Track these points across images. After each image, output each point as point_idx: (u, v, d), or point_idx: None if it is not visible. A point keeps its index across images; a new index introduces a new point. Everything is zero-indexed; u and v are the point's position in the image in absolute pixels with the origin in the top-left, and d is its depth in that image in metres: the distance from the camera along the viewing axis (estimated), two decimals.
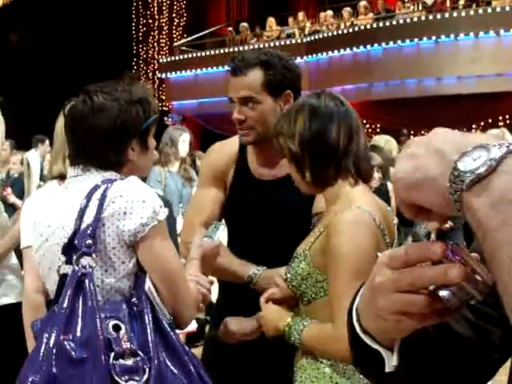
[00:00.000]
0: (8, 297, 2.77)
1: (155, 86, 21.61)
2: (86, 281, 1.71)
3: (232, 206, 2.50)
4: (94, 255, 1.75)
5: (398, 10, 14.56)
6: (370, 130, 15.77)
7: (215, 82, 16.03)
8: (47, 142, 8.78)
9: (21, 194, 6.02)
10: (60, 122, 2.67)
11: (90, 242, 1.74)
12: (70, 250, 1.77)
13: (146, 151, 1.96)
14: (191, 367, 1.77)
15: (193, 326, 4.59)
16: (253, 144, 2.43)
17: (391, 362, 0.81)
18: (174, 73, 17.43)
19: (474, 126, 14.20)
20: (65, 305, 1.69)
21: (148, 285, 1.79)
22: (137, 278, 1.82)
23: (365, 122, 15.86)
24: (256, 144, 2.42)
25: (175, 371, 1.74)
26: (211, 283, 2.07)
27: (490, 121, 13.84)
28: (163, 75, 18.15)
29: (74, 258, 1.75)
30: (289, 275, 1.93)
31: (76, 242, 1.76)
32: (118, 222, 1.77)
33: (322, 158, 1.88)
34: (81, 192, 1.83)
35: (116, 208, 1.76)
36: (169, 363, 1.73)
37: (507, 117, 14.43)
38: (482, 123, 14.16)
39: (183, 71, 17.11)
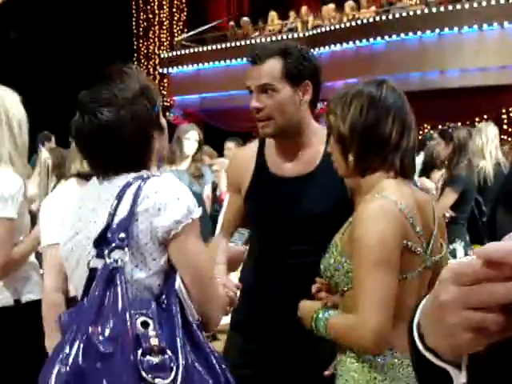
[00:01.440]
0: (32, 293, 2.77)
1: (156, 81, 21.60)
2: (118, 275, 1.69)
3: (252, 206, 2.46)
4: (126, 249, 1.73)
5: (400, 1, 14.52)
6: None
7: (217, 76, 16.02)
8: (53, 139, 8.73)
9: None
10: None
11: (123, 235, 1.72)
12: (101, 243, 1.74)
13: (163, 132, 1.94)
14: (218, 369, 1.75)
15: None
16: (273, 137, 2.38)
17: (460, 379, 0.77)
18: (175, 68, 17.39)
19: (477, 120, 14.18)
20: (95, 298, 1.67)
21: (178, 283, 1.76)
22: (167, 275, 1.80)
23: None
24: (277, 138, 2.38)
25: (202, 372, 1.71)
26: (238, 287, 2.06)
27: (493, 114, 13.81)
28: (164, 70, 18.10)
29: (106, 251, 1.72)
30: (322, 266, 1.92)
31: (109, 235, 1.74)
32: (151, 217, 1.74)
33: (370, 148, 1.88)
34: (114, 187, 1.81)
35: (151, 204, 1.74)
36: (196, 363, 1.71)
37: (510, 109, 14.41)
38: (486, 116, 14.13)
39: (185, 66, 17.07)
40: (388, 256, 1.74)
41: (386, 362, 1.82)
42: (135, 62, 21.96)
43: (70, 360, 1.63)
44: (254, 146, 2.53)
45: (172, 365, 1.65)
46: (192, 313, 1.77)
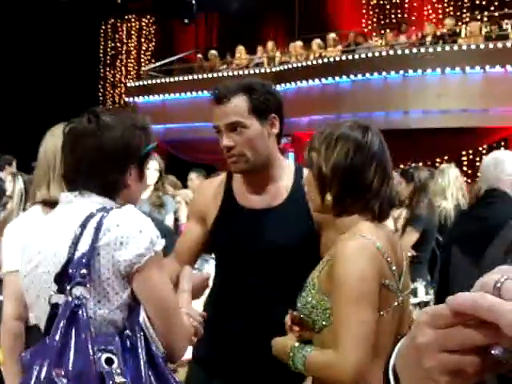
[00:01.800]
0: None
1: None
2: (80, 312, 1.67)
3: (219, 237, 2.46)
4: (88, 285, 1.71)
5: (366, 42, 14.80)
6: None
7: (183, 107, 16.04)
8: (14, 163, 8.58)
9: None
10: (47, 145, 2.62)
11: (84, 271, 1.69)
12: (62, 278, 1.72)
13: (141, 179, 1.94)
14: None
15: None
16: (244, 172, 2.40)
17: None
18: (141, 97, 17.38)
19: (438, 160, 14.43)
20: (57, 337, 1.64)
21: (143, 317, 1.74)
22: (131, 309, 1.78)
23: None
24: (247, 172, 2.40)
25: None
26: (202, 317, 2.04)
27: (454, 155, 14.08)
28: (130, 99, 18.08)
29: (68, 287, 1.70)
30: (299, 304, 1.93)
31: (70, 270, 1.71)
32: (113, 251, 1.72)
33: (351, 192, 1.91)
34: (75, 219, 1.78)
35: (112, 237, 1.72)
36: None
37: (470, 152, 14.71)
38: (446, 157, 14.39)
39: (151, 96, 17.07)
40: (368, 293, 1.78)
41: None
42: (101, 90, 21.93)
43: None
44: (221, 178, 2.55)
45: None
46: (157, 345, 1.75)
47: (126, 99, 19.18)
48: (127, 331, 1.74)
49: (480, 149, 14.66)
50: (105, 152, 1.81)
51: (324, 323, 1.87)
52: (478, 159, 14.77)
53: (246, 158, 2.33)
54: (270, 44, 16.19)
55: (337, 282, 1.80)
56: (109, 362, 1.67)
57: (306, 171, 2.47)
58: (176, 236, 6.16)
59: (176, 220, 6.42)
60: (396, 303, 1.90)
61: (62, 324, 1.66)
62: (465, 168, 14.26)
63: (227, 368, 2.42)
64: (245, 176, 2.42)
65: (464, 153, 14.68)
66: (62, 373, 1.61)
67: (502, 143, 14.10)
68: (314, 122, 12.85)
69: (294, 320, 1.99)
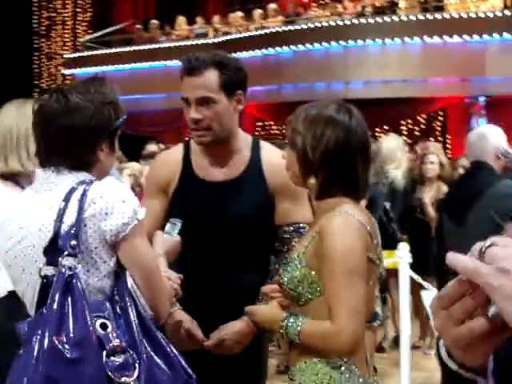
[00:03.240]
0: None
1: (59, 82, 21.08)
2: (74, 281, 1.73)
3: (179, 209, 2.48)
4: (78, 256, 1.77)
5: (306, 13, 14.84)
6: (277, 132, 15.99)
7: (122, 79, 15.81)
8: None
9: None
10: (2, 121, 2.59)
11: (74, 242, 1.76)
12: (52, 251, 1.77)
13: (113, 152, 1.99)
14: (175, 361, 1.81)
15: None
16: (208, 145, 2.43)
17: None
18: (79, 69, 17.06)
19: (377, 130, 14.67)
20: (54, 306, 1.70)
21: (131, 282, 1.82)
22: (117, 276, 1.85)
23: (272, 123, 16.09)
24: (210, 145, 2.43)
25: (162, 365, 1.77)
26: (180, 279, 2.11)
27: (393, 125, 14.33)
28: (68, 71, 17.72)
29: (60, 259, 1.75)
30: (285, 279, 1.99)
31: (60, 243, 1.76)
32: (99, 222, 1.79)
33: (338, 179, 1.97)
34: (57, 194, 1.83)
35: (97, 209, 1.79)
36: (156, 358, 1.77)
37: (409, 121, 14.99)
38: (386, 127, 14.63)
39: (89, 68, 16.76)
40: (358, 266, 1.88)
41: (347, 366, 1.92)
42: (36, 62, 21.40)
43: (40, 369, 1.65)
44: (177, 149, 2.57)
45: (134, 362, 1.71)
46: (145, 308, 1.83)
47: (63, 71, 18.80)
48: (116, 297, 1.81)
49: (419, 118, 14.96)
50: (76, 133, 1.86)
51: (310, 297, 1.95)
52: (416, 128, 15.08)
53: (212, 132, 2.37)
54: (213, 16, 16.04)
55: (327, 257, 1.88)
56: (103, 327, 1.74)
57: (264, 143, 2.53)
58: None
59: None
60: (377, 275, 2.01)
61: (57, 294, 1.71)
62: (404, 138, 14.52)
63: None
64: (206, 148, 2.45)
65: (403, 122, 14.94)
66: (64, 339, 1.67)
67: (441, 113, 14.43)
68: (256, 92, 12.86)
69: (278, 288, 2.05)
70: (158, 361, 1.77)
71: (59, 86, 1.99)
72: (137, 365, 1.70)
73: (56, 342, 1.66)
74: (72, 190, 1.81)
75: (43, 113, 1.90)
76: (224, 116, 2.38)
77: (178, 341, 2.15)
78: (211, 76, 2.35)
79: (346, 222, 1.90)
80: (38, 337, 1.68)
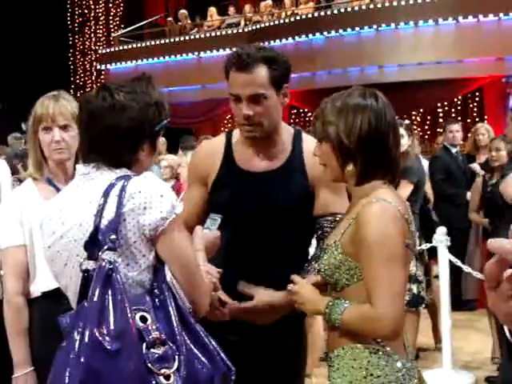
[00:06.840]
0: None
1: (93, 78, 21.32)
2: (114, 275, 1.76)
3: (219, 199, 2.51)
4: (118, 250, 1.80)
5: None
6: (312, 119, 15.93)
7: (156, 73, 15.90)
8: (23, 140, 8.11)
9: None
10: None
11: (114, 236, 1.79)
12: (92, 245, 1.80)
13: (153, 153, 2.01)
14: (214, 353, 1.83)
15: None
16: (256, 139, 2.46)
17: None
18: (113, 64, 17.20)
19: (413, 113, 14.53)
20: (95, 299, 1.73)
21: (169, 276, 1.84)
22: (156, 269, 1.88)
23: (307, 110, 16.04)
24: (258, 138, 2.45)
25: (202, 358, 1.80)
26: (219, 273, 2.13)
27: (429, 107, 14.18)
28: (102, 66, 17.89)
29: (100, 253, 1.78)
30: (322, 265, 2.03)
31: (100, 237, 1.79)
32: (138, 216, 1.81)
33: (377, 162, 2.00)
34: (96, 189, 1.87)
35: (136, 203, 1.81)
36: (195, 350, 1.80)
37: (446, 103, 14.81)
38: (422, 110, 14.49)
39: (123, 62, 16.89)
40: (397, 252, 1.91)
41: (384, 355, 1.95)
42: (71, 58, 21.65)
43: (81, 361, 1.68)
44: (220, 139, 2.59)
45: (174, 354, 1.74)
46: (184, 302, 1.85)
47: (98, 66, 18.98)
48: (155, 290, 1.84)
49: (455, 100, 14.77)
50: (119, 132, 1.88)
51: (347, 283, 1.99)
52: (453, 110, 14.89)
53: (262, 127, 2.39)
54: (246, 6, 16.01)
55: (365, 244, 1.91)
56: (143, 319, 1.77)
57: (306, 136, 2.54)
58: None
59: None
60: (411, 259, 2.02)
61: (98, 288, 1.74)
62: (441, 120, 14.36)
63: (237, 324, 2.49)
64: (253, 141, 2.47)
65: (439, 104, 14.76)
66: (105, 331, 1.70)
67: (477, 94, 14.22)
68: (289, 80, 12.83)
69: (316, 284, 2.08)
70: (197, 353, 1.80)
71: (105, 83, 1.98)
72: (176, 357, 1.73)
73: (97, 334, 1.69)
74: (111, 186, 1.84)
75: (89, 110, 1.92)
76: (273, 111, 2.40)
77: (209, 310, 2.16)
78: (262, 72, 2.36)
79: (383, 210, 1.93)
80: (80, 329, 1.72)
